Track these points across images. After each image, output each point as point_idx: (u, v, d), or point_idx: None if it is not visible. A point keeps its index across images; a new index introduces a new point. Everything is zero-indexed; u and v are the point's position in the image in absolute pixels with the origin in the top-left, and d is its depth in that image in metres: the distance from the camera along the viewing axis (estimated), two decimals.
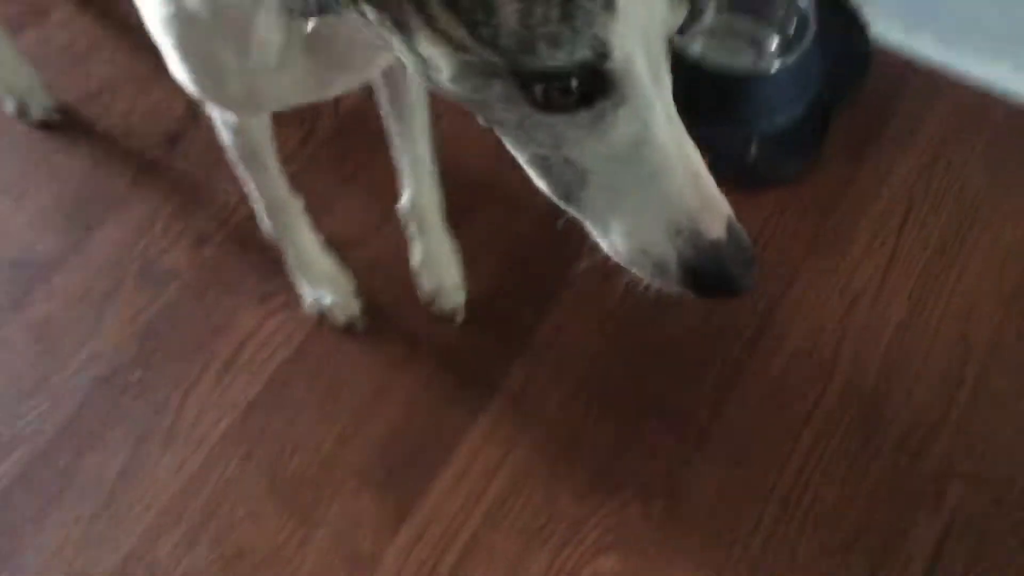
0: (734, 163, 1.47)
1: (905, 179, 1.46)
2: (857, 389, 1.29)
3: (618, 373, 1.31)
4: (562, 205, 0.66)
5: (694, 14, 0.61)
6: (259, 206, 1.26)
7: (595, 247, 0.66)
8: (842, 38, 1.56)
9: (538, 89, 0.58)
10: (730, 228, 0.60)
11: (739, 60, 1.54)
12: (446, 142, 1.29)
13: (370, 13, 0.61)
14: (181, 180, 1.43)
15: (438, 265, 1.33)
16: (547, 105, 0.59)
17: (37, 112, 1.47)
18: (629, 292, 0.67)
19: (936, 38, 1.55)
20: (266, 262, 1.35)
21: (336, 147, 1.47)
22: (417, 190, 1.27)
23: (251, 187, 1.22)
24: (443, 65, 0.59)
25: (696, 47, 1.55)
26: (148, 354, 1.31)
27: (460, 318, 1.33)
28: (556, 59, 0.55)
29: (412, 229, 1.32)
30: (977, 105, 1.53)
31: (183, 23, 0.81)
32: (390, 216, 1.33)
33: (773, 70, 1.47)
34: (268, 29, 0.77)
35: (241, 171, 1.18)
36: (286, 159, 1.22)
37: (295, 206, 1.26)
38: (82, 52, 1.55)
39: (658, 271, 0.62)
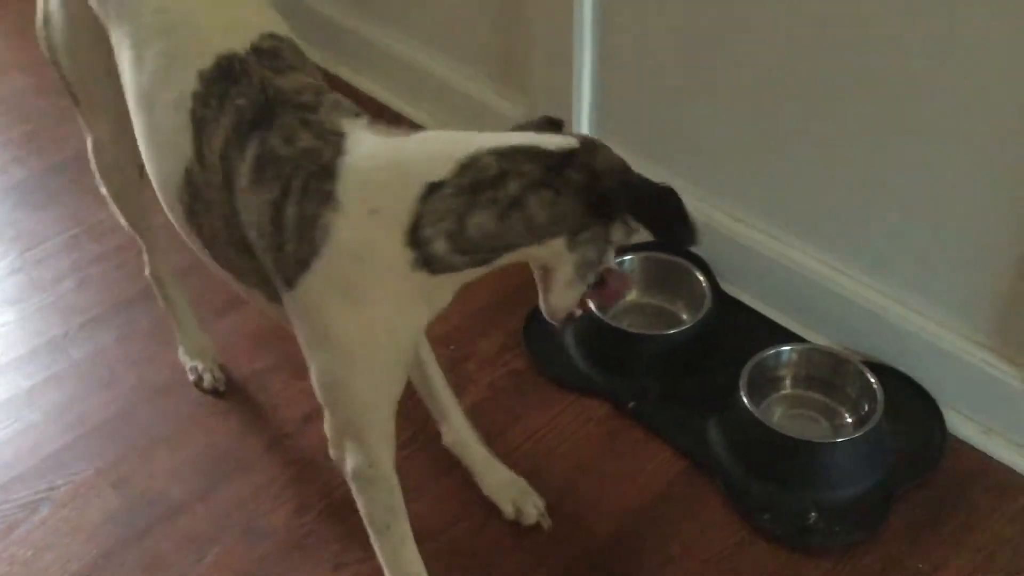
0: (792, 524, 1.55)
1: (959, 573, 1.48)
2: None
3: None
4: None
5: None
6: None
7: None
8: (919, 425, 1.66)
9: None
10: None
11: (813, 430, 1.66)
12: None
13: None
14: (302, 455, 1.68)
15: (502, 484, 1.58)
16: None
17: (209, 382, 1.78)
18: None
19: (1010, 442, 1.62)
20: (349, 534, 1.53)
21: None
22: (452, 421, 1.58)
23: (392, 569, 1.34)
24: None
25: (775, 413, 1.69)
26: None
27: (547, 524, 1.57)
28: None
29: (464, 458, 1.59)
30: None
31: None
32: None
33: (838, 441, 1.58)
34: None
35: (383, 548, 1.32)
36: None
37: None
38: (261, 336, 1.88)
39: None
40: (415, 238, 1.11)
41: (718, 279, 1.89)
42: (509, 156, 1.11)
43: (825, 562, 1.51)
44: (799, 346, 1.72)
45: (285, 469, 1.66)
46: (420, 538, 1.36)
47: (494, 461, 1.61)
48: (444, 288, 1.19)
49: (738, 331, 1.83)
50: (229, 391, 1.79)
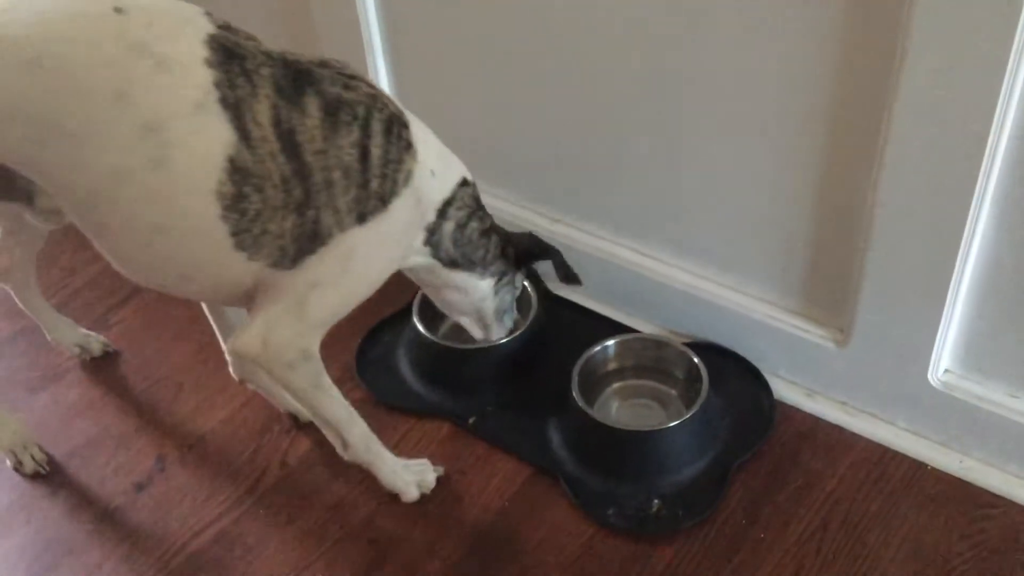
0: (636, 515, 1.56)
1: (799, 536, 1.51)
2: None
3: None
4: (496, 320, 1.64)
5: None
6: (337, 430, 1.51)
7: None
8: (747, 396, 1.69)
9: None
10: None
11: (650, 417, 1.68)
12: None
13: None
14: (135, 527, 1.61)
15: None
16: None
17: (30, 466, 1.69)
18: None
19: (833, 401, 1.66)
20: None
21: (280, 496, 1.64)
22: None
23: (330, 412, 1.48)
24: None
25: (612, 407, 1.70)
26: None
27: None
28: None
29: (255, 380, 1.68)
30: (877, 461, 1.60)
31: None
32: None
33: (669, 426, 1.59)
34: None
35: (318, 400, 1.46)
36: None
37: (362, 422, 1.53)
38: (81, 408, 1.80)
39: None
40: (442, 210, 1.40)
41: (545, 281, 1.90)
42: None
43: (670, 547, 1.52)
44: (622, 337, 1.73)
45: (118, 546, 1.58)
46: None
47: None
48: (406, 256, 1.43)
49: (569, 331, 1.83)
50: (53, 471, 1.71)
